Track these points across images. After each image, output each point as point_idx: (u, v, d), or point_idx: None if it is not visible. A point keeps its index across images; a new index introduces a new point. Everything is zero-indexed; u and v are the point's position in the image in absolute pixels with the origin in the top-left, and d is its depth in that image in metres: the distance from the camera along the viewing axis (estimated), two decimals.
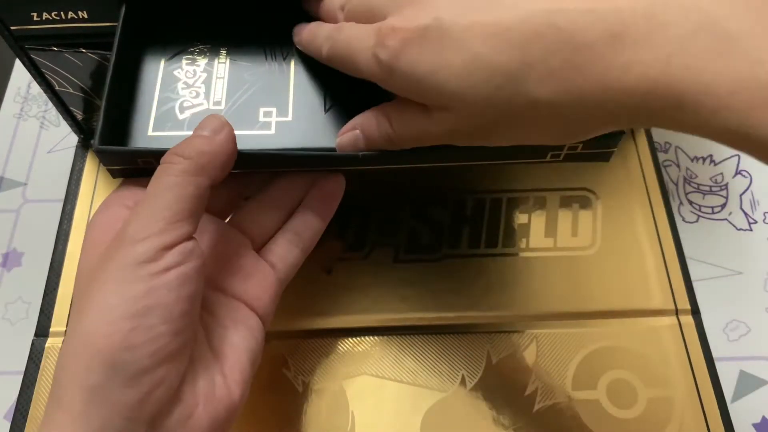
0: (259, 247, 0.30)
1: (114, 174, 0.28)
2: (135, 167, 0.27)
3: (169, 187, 0.24)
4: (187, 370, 0.23)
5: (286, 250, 0.29)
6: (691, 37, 0.19)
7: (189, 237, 0.24)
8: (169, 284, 0.22)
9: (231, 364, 0.25)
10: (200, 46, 0.31)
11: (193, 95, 0.29)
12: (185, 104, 0.29)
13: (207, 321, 0.26)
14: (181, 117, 0.29)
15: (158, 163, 0.25)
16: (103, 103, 0.27)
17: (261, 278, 0.28)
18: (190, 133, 0.26)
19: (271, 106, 0.29)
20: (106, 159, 0.27)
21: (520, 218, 0.38)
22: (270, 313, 0.28)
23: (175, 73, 0.30)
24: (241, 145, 0.26)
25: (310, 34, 0.29)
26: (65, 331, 0.35)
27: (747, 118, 0.18)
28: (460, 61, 0.22)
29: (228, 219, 0.30)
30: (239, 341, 0.26)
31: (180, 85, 0.30)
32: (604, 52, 0.20)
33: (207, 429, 0.23)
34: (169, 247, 0.23)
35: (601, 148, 0.28)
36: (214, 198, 0.26)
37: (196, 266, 0.24)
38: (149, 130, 0.29)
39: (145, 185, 0.26)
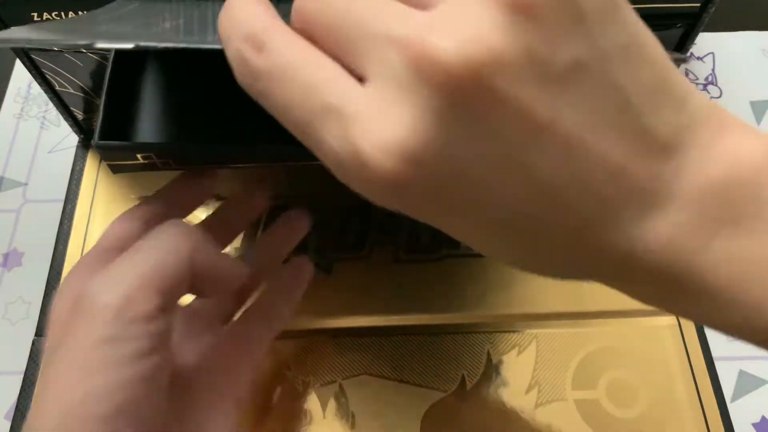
0: (227, 319, 0.28)
1: (114, 169, 0.28)
2: (135, 162, 0.27)
3: (167, 251, 0.21)
4: None
5: (259, 335, 0.27)
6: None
7: (168, 312, 0.21)
8: (139, 377, 0.19)
9: None
10: None
11: None
12: None
13: (178, 409, 0.23)
14: None
15: (159, 158, 0.24)
16: (102, 98, 0.27)
17: (235, 353, 0.26)
18: None
19: None
20: (106, 154, 0.27)
21: None
22: (244, 393, 0.26)
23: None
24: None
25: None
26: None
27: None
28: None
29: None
30: (213, 427, 0.24)
31: None
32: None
33: None
34: (144, 320, 0.20)
35: None
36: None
37: (167, 355, 0.21)
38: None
39: (111, 254, 0.23)
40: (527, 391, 0.33)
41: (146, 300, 0.20)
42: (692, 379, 0.34)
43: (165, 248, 0.21)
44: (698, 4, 0.31)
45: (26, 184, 0.43)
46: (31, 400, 0.33)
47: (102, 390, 0.19)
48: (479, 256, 0.37)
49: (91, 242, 0.37)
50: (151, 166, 0.26)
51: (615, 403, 0.33)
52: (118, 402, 0.19)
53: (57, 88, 0.35)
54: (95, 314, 0.19)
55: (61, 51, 0.32)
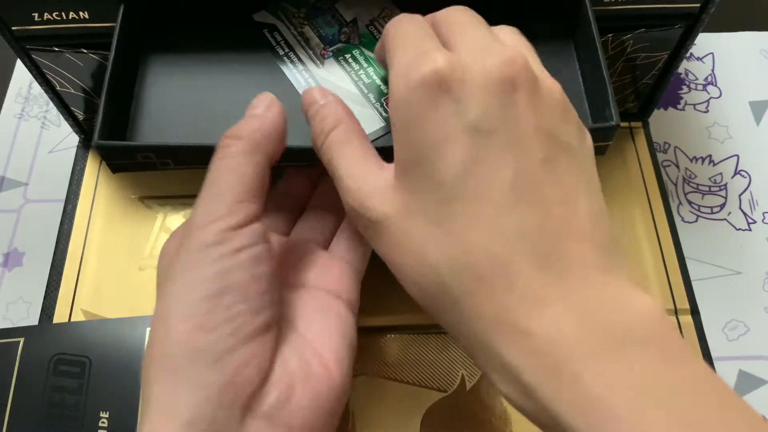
0: (326, 248, 0.30)
1: (113, 169, 0.28)
2: (135, 162, 0.27)
3: (228, 170, 0.24)
4: (277, 353, 0.23)
5: (352, 244, 0.29)
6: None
7: (256, 218, 0.24)
8: (241, 265, 0.22)
9: (323, 345, 0.25)
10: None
11: None
12: None
13: (291, 313, 0.26)
14: None
15: (158, 158, 0.25)
16: (102, 98, 0.27)
17: (337, 269, 0.28)
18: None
19: None
20: (105, 154, 0.27)
21: None
22: (355, 299, 0.29)
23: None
24: None
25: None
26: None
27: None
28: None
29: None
30: (328, 325, 0.26)
31: None
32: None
33: (309, 408, 0.23)
34: (236, 227, 0.23)
35: (597, 142, 0.28)
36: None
37: (266, 248, 0.24)
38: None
39: None
40: None
41: (241, 213, 0.23)
42: None
43: (234, 164, 0.24)
44: (698, 4, 0.32)
45: (27, 184, 0.43)
46: None
47: (208, 276, 0.22)
48: None
49: (92, 242, 0.37)
50: (151, 166, 0.26)
51: None
52: (224, 284, 0.22)
53: (58, 88, 0.35)
54: (199, 234, 0.22)
55: (61, 51, 0.32)
